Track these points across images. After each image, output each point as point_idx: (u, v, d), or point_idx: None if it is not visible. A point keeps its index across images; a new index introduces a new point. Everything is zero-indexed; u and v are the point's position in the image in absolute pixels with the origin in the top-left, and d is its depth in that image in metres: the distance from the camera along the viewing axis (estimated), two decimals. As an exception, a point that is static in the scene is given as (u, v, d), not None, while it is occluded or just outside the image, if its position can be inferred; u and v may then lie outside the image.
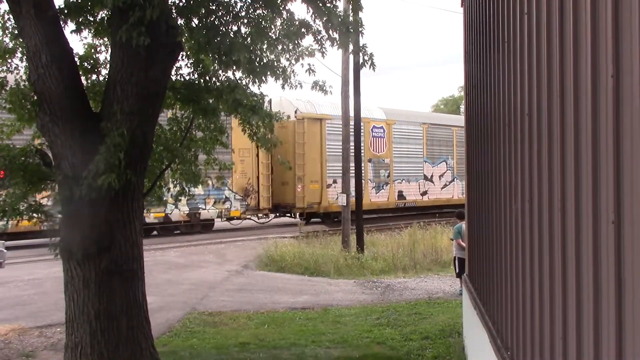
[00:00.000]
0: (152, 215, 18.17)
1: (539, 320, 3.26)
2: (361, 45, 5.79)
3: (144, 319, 5.58)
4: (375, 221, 24.33)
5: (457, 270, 10.93)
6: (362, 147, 18.55)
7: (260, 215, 23.05)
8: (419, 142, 27.28)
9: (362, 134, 23.32)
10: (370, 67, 5.78)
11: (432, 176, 27.71)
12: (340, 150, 23.01)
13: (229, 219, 21.89)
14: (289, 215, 24.01)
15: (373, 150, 24.84)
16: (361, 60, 5.79)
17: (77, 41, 6.14)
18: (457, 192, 28.68)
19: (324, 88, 6.38)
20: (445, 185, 28.42)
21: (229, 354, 7.33)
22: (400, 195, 26.16)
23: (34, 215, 5.38)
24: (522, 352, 3.74)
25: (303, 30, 5.80)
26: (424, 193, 27.31)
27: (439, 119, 29.58)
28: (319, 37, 5.82)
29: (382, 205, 25.43)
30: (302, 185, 22.40)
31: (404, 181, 26.34)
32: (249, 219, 22.94)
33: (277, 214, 23.81)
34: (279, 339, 8.02)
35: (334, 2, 5.65)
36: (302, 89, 6.48)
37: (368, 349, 7.60)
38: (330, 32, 5.71)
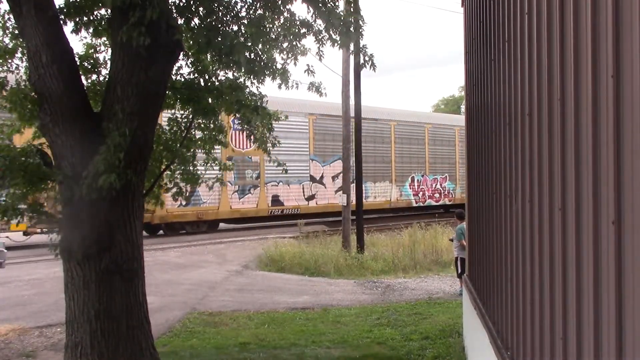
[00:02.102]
0: None
1: (539, 320, 3.25)
2: (361, 46, 5.80)
3: (144, 319, 5.58)
4: (370, 222, 23.85)
5: (458, 271, 10.93)
6: (361, 146, 17.47)
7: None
8: (304, 137, 22.89)
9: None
10: (370, 68, 5.79)
11: (322, 177, 23.40)
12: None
13: None
14: None
15: (235, 146, 20.68)
16: (361, 61, 5.80)
17: (77, 41, 6.13)
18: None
19: (320, 89, 6.36)
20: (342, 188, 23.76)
21: (229, 354, 7.33)
22: (276, 201, 21.89)
23: (35, 215, 5.38)
24: (522, 353, 3.74)
25: (304, 30, 5.80)
26: (311, 198, 23.01)
27: (331, 109, 22.93)
28: (319, 37, 5.82)
29: (249, 212, 21.07)
30: None
31: (280, 183, 22.26)
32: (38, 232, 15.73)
33: None
34: (279, 339, 8.02)
35: (335, 3, 5.65)
36: (298, 90, 6.47)
37: (368, 349, 7.60)
38: (331, 32, 5.71)
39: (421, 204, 27.90)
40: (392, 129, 26.78)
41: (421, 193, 28.10)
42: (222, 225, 22.33)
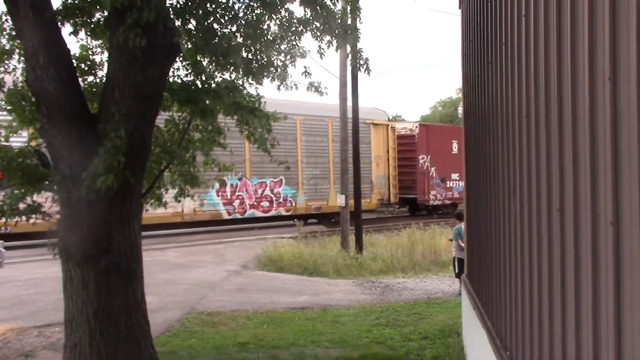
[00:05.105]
0: None
1: (538, 320, 3.26)
2: (357, 49, 5.82)
3: (142, 319, 5.58)
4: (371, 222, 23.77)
5: (456, 271, 10.95)
6: (359, 148, 16.94)
7: None
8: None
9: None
10: (365, 72, 5.83)
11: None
12: None
13: None
14: None
15: None
16: (357, 64, 5.82)
17: (75, 42, 6.12)
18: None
19: (320, 89, 6.38)
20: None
21: (228, 354, 7.33)
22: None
23: (33, 215, 5.37)
24: (522, 352, 3.75)
25: (302, 28, 5.81)
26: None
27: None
28: (317, 34, 5.82)
29: None
30: None
31: None
32: None
33: None
34: (278, 339, 8.02)
35: (334, 4, 5.66)
36: (298, 90, 6.47)
37: (367, 349, 7.61)
38: (329, 35, 5.73)
39: (238, 216, 21.14)
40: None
41: (238, 201, 20.99)
42: (207, 226, 21.05)
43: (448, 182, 27.45)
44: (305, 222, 22.82)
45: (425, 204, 26.90)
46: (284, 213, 22.50)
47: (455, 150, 27.11)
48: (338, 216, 23.13)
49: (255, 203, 21.54)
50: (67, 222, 5.21)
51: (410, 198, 26.42)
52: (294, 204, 22.67)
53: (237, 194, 20.99)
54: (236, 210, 20.99)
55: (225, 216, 20.88)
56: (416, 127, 26.93)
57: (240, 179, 20.95)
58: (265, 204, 21.86)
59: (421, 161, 26.35)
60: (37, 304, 9.96)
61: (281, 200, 22.31)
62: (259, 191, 21.70)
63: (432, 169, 26.70)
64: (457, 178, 27.34)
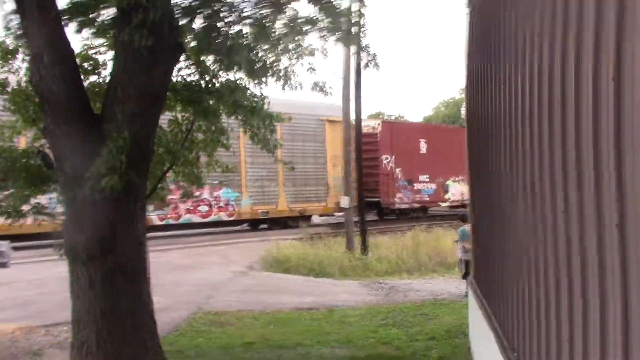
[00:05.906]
0: None
1: (545, 322, 3.24)
2: (364, 45, 5.80)
3: (149, 319, 5.60)
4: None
5: (462, 272, 10.92)
6: (361, 149, 15.94)
7: None
8: None
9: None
10: (373, 67, 5.80)
11: None
12: None
13: None
14: None
15: None
16: (365, 61, 5.81)
17: (78, 41, 6.12)
18: None
19: (324, 89, 6.36)
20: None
21: (234, 354, 7.34)
22: None
23: (37, 216, 5.39)
24: (529, 354, 3.72)
25: (308, 27, 5.81)
26: None
27: None
28: (323, 35, 5.82)
29: None
30: None
31: None
32: None
33: None
34: (285, 339, 8.03)
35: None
36: (302, 90, 6.45)
37: (373, 349, 7.60)
38: (334, 31, 5.72)
39: (172, 221, 19.89)
40: None
41: (172, 206, 19.45)
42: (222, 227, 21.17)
43: (416, 185, 25.77)
44: (256, 227, 21.56)
45: (391, 207, 25.17)
46: (225, 218, 20.94)
47: (423, 149, 25.62)
48: (291, 221, 21.40)
49: (191, 207, 20.00)
50: (72, 222, 5.22)
51: (374, 201, 24.26)
52: (236, 209, 21.02)
53: (169, 197, 19.09)
54: (169, 216, 19.60)
55: (157, 222, 19.22)
56: (379, 124, 25.28)
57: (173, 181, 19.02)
58: (204, 208, 20.34)
59: (385, 162, 24.74)
60: (43, 303, 10.01)
61: (222, 204, 20.66)
62: (196, 194, 19.34)
63: (397, 170, 25.02)
64: (427, 180, 25.80)
